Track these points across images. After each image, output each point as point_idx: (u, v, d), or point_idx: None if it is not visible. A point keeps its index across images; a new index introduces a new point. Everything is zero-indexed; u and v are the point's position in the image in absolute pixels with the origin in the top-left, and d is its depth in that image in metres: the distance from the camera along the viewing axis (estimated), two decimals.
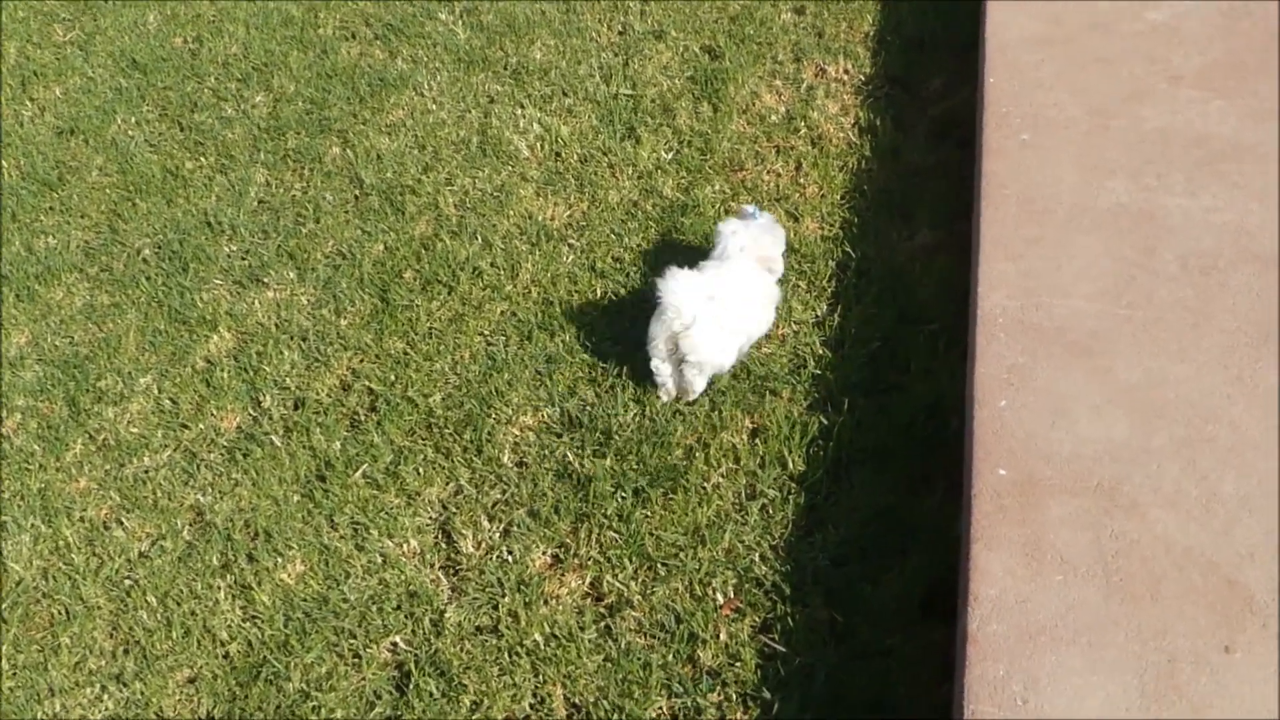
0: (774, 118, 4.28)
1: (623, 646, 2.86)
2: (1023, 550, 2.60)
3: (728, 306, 3.27)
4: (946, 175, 3.96)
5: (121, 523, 3.25)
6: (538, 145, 4.27)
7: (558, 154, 4.23)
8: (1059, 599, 2.50)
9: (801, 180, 4.02)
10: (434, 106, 4.47)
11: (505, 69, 4.60)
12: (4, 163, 4.48)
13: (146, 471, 3.36)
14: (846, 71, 4.43)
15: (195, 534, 3.21)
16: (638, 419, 3.36)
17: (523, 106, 4.43)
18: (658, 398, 3.38)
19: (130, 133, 4.51)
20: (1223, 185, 3.34)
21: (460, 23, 4.85)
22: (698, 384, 3.35)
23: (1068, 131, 3.58)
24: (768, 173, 4.07)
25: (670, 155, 4.17)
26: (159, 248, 4.05)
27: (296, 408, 3.50)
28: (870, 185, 3.97)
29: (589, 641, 2.88)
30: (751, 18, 4.71)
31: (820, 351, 3.46)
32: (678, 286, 3.21)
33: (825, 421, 3.26)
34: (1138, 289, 3.11)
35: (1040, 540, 2.61)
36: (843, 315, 3.55)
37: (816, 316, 3.57)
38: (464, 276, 3.82)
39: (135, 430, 3.48)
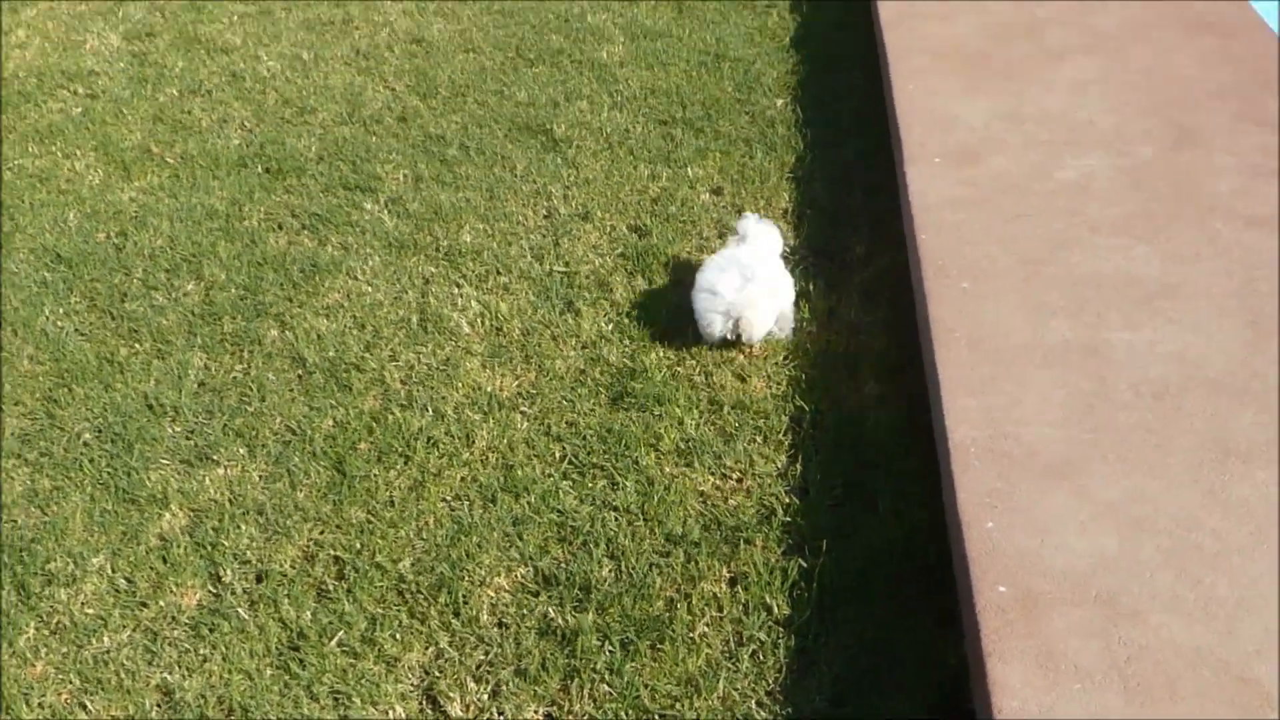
0: None
1: None
2: (1036, 661, 2.60)
3: (762, 284, 3.95)
4: (883, 332, 4.09)
5: (85, 706, 3.04)
6: (478, 321, 4.28)
7: (499, 328, 4.25)
8: (1082, 706, 2.50)
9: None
10: (369, 289, 4.46)
11: (438, 251, 4.64)
12: None
13: (107, 652, 3.17)
14: None
15: (165, 713, 3.01)
16: (614, 573, 3.30)
17: (459, 286, 4.45)
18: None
19: (60, 323, 4.39)
20: (1160, 320, 3.51)
21: (386, 212, 4.90)
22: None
23: (1004, 279, 3.74)
24: None
25: (611, 326, 4.22)
26: (99, 431, 3.91)
27: (260, 580, 3.37)
28: (812, 344, 4.06)
29: None
30: (672, 198, 4.85)
31: (787, 500, 3.48)
32: (723, 287, 3.93)
33: (804, 564, 3.25)
34: (1098, 416, 3.20)
35: (1051, 651, 2.62)
36: (804, 464, 3.59)
37: (778, 468, 3.60)
38: (419, 446, 3.76)
39: (91, 611, 3.29)
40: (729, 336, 4.01)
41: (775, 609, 3.16)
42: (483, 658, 3.11)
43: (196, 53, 6.33)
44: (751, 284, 3.95)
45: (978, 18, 5.41)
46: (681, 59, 5.90)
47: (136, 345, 4.29)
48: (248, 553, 3.45)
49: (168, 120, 5.70)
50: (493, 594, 3.28)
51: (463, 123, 5.49)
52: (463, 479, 3.65)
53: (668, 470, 3.63)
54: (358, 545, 3.44)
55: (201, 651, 3.17)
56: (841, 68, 5.75)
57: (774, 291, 4.02)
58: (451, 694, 3.02)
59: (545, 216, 4.84)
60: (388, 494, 3.62)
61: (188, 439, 3.88)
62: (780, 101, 5.51)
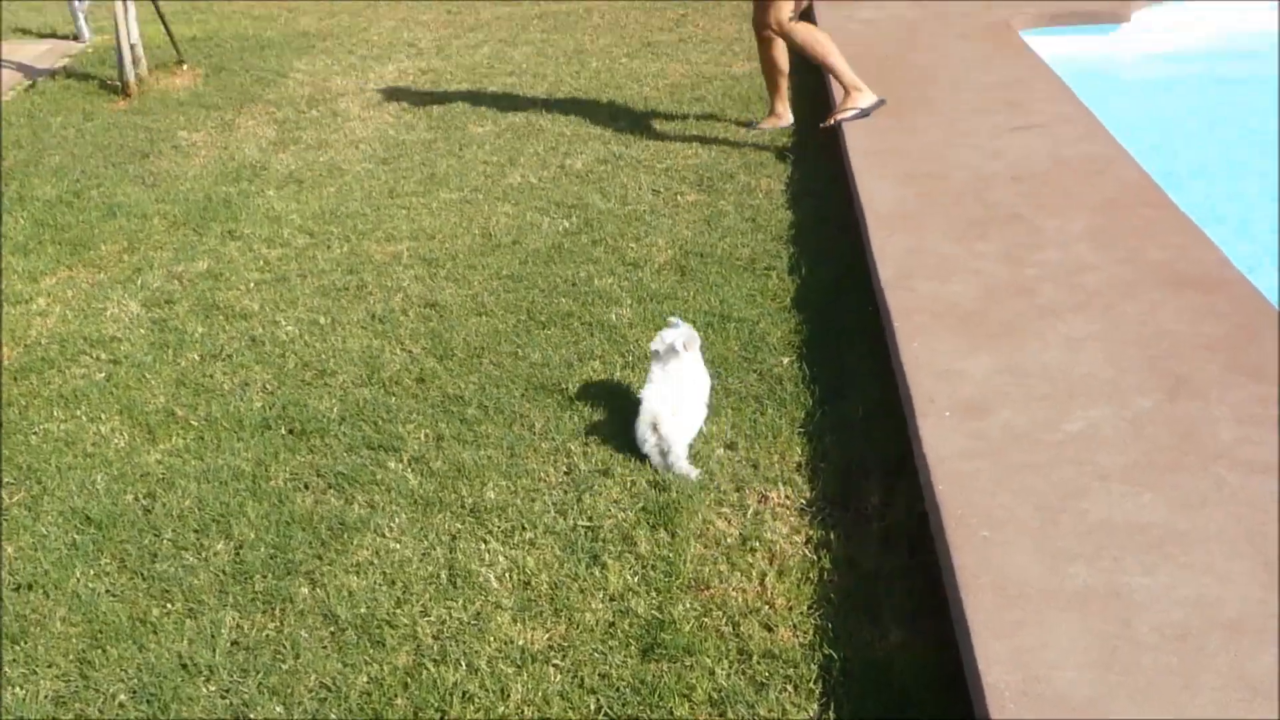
0: (729, 540, 4.58)
1: None
2: None
3: (684, 407, 5.03)
4: (903, 579, 4.28)
5: None
6: (506, 576, 4.45)
7: (527, 583, 4.42)
8: None
9: (769, 594, 4.27)
10: (397, 545, 4.65)
11: (463, 508, 4.84)
12: None
13: None
14: (788, 497, 4.81)
15: None
16: None
17: (486, 541, 4.64)
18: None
19: (91, 584, 4.54)
20: (1173, 565, 3.72)
21: (410, 470, 5.12)
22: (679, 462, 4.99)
23: (1021, 526, 3.96)
24: (734, 589, 4.32)
25: (637, 578, 4.40)
26: (134, 692, 4.02)
27: None
28: (835, 593, 4.24)
29: None
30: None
31: None
32: (651, 409, 4.95)
33: None
34: (1124, 658, 3.38)
35: None
36: (836, 713, 3.73)
37: (811, 716, 3.74)
38: (455, 700, 3.89)
39: None
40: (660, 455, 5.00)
41: None
42: None
43: (215, 318, 6.66)
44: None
45: (973, 278, 5.80)
46: (688, 319, 6.21)
47: (169, 605, 4.43)
48: None
49: (190, 384, 5.97)
50: None
51: (480, 383, 5.77)
52: None
53: None
54: None
55: None
56: (842, 326, 6.09)
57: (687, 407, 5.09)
58: None
59: (566, 473, 5.07)
60: None
61: (223, 698, 3.99)
62: (786, 360, 5.83)
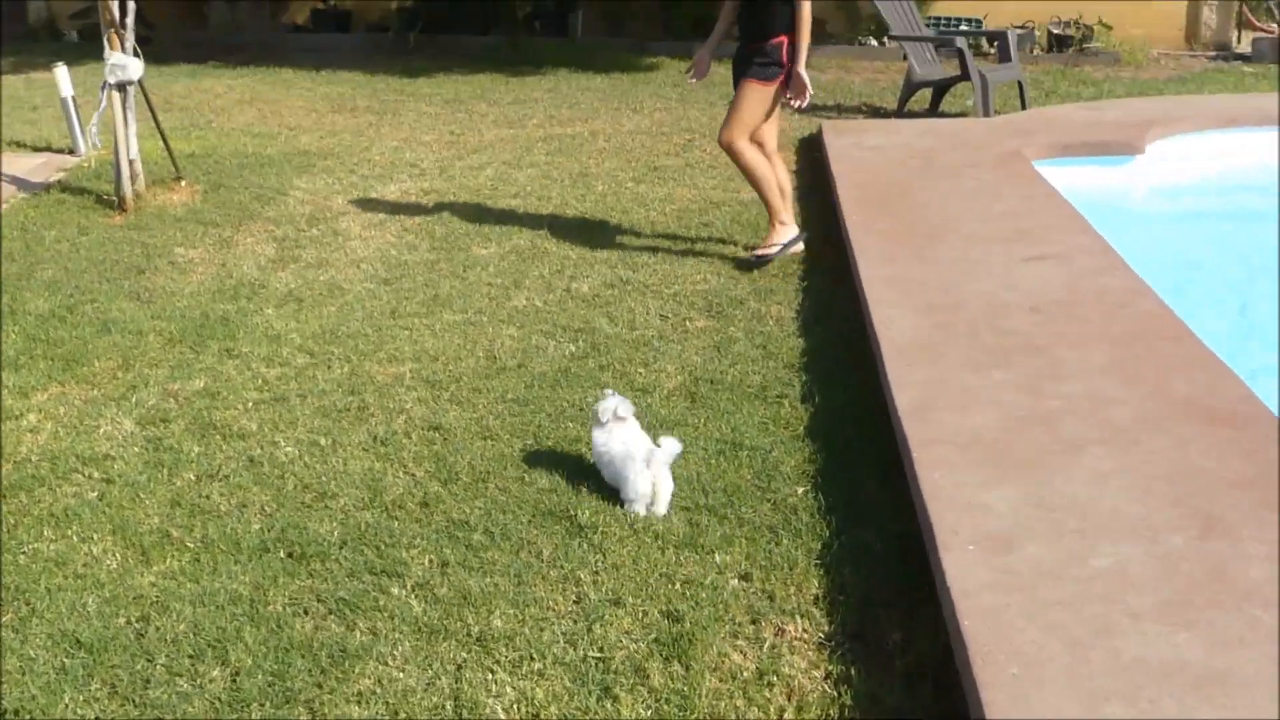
0: (745, 674, 4.55)
1: None
2: None
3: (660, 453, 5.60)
4: (927, 717, 4.25)
5: None
6: (514, 708, 4.42)
7: (535, 715, 4.39)
8: None
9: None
10: (400, 674, 4.61)
11: (469, 636, 4.81)
12: None
13: None
14: (805, 630, 4.79)
15: None
16: None
17: (492, 671, 4.61)
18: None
19: (80, 711, 4.48)
20: (1211, 707, 3.71)
21: (414, 597, 5.10)
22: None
23: (1052, 665, 3.95)
24: None
25: (650, 712, 4.36)
26: None
27: None
28: None
29: None
30: (702, 584, 5.09)
31: None
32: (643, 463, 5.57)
33: None
34: None
35: None
36: None
37: None
38: None
39: None
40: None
41: None
42: None
43: (212, 438, 6.67)
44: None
45: (994, 409, 5.84)
46: (699, 447, 6.27)
47: None
48: None
49: (185, 504, 5.96)
50: None
51: (486, 508, 5.78)
52: None
53: None
54: None
55: None
56: (857, 455, 6.12)
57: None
58: None
59: (575, 602, 5.05)
60: None
61: None
62: (800, 489, 5.85)
